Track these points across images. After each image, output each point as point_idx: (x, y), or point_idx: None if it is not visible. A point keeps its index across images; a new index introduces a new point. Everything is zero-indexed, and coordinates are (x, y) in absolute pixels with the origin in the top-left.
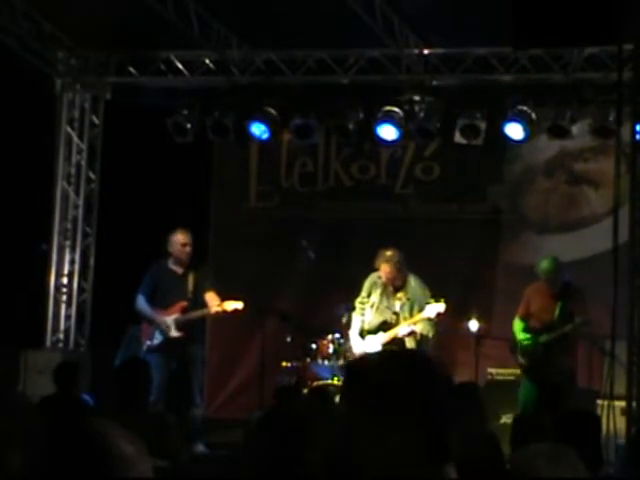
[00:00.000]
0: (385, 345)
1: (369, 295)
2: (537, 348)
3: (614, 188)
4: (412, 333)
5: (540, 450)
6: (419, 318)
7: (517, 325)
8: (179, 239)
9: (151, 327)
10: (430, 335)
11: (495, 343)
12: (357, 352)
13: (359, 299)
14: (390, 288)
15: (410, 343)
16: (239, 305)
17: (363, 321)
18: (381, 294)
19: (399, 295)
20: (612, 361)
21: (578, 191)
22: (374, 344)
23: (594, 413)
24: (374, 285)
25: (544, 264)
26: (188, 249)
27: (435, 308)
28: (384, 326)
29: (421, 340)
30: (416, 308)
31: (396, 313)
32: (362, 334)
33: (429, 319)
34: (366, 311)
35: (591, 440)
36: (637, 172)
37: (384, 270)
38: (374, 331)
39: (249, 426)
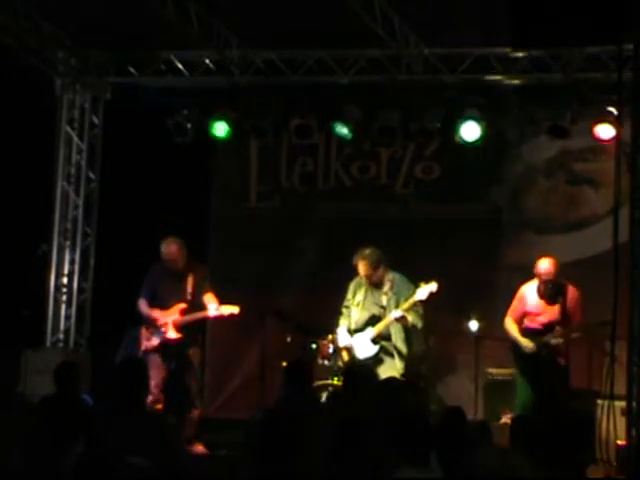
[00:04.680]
0: (375, 340)
1: (354, 296)
2: (540, 351)
3: (614, 188)
4: (402, 318)
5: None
6: (412, 301)
7: (511, 326)
8: (163, 253)
9: (150, 328)
10: (419, 326)
11: (495, 343)
12: (342, 345)
13: (344, 303)
14: (373, 285)
15: (399, 334)
16: (235, 310)
17: (350, 323)
18: (366, 292)
19: (385, 290)
20: (612, 361)
21: (578, 191)
22: (363, 340)
23: (589, 414)
24: (358, 286)
25: (541, 264)
26: (173, 262)
27: (427, 289)
28: (372, 320)
29: (411, 329)
30: (402, 300)
31: (383, 307)
32: (350, 333)
33: (416, 310)
34: (352, 312)
35: (587, 440)
36: (637, 172)
37: (359, 268)
38: (362, 328)
39: (249, 426)
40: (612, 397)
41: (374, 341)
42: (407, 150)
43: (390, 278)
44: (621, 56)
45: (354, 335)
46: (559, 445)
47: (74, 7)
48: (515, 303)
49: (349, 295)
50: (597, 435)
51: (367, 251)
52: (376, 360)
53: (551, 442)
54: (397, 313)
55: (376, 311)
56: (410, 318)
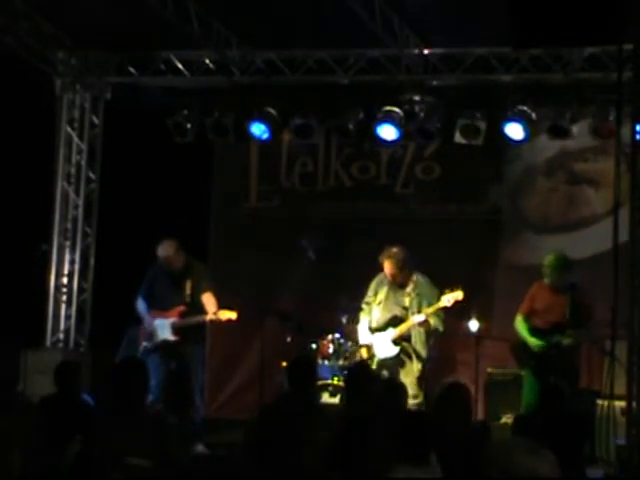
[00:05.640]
0: (395, 341)
1: (376, 294)
2: (550, 350)
3: (614, 188)
4: (425, 322)
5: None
6: (437, 307)
7: (521, 326)
8: (159, 254)
9: (149, 329)
10: (440, 329)
11: (495, 343)
12: (363, 342)
13: (365, 299)
14: (397, 285)
15: (419, 336)
16: (233, 315)
17: (370, 320)
18: (388, 291)
19: (407, 291)
20: (612, 361)
21: (578, 191)
22: (383, 340)
23: (586, 416)
24: (380, 284)
25: (548, 260)
26: (170, 263)
27: (452, 297)
28: (394, 321)
29: (431, 332)
30: (425, 303)
31: (405, 308)
32: (370, 331)
33: (438, 315)
34: (373, 310)
35: (583, 442)
36: (637, 172)
37: (385, 267)
38: (383, 328)
39: (249, 426)
40: (612, 397)
41: (395, 342)
42: (407, 150)
43: (414, 280)
44: (621, 56)
45: (374, 333)
46: (559, 445)
47: (74, 7)
48: (526, 300)
49: (370, 292)
50: (597, 435)
51: (394, 250)
52: (396, 361)
53: (551, 442)
54: (420, 317)
55: (398, 312)
56: (432, 322)
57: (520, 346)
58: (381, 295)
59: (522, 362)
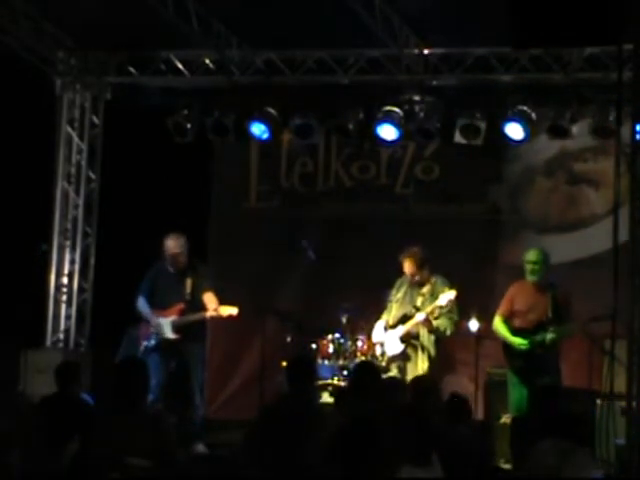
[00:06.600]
0: (402, 338)
1: (397, 292)
2: (534, 350)
3: (614, 188)
4: (426, 321)
5: (553, 447)
6: (435, 306)
7: (501, 326)
8: (167, 247)
9: (149, 328)
10: (448, 332)
11: (495, 343)
12: (375, 340)
13: (389, 297)
14: (415, 285)
15: (427, 335)
16: (234, 311)
17: (390, 318)
18: (406, 290)
19: (423, 291)
20: (612, 361)
21: (578, 191)
22: (393, 337)
23: (585, 416)
24: (402, 282)
25: (535, 256)
26: (177, 257)
27: (446, 296)
28: (404, 319)
29: (437, 334)
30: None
31: (417, 307)
32: (386, 328)
33: (450, 317)
34: (392, 307)
35: (583, 441)
36: (637, 172)
37: (405, 265)
38: (395, 325)
39: (249, 426)
40: (612, 397)
41: (402, 340)
42: (407, 150)
43: (432, 281)
44: (621, 56)
45: (388, 331)
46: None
47: (74, 7)
48: (504, 302)
49: (394, 290)
50: (597, 435)
51: (413, 249)
52: (404, 358)
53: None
54: (421, 316)
55: (408, 311)
56: (435, 323)
57: (505, 347)
58: (400, 293)
59: (509, 363)
